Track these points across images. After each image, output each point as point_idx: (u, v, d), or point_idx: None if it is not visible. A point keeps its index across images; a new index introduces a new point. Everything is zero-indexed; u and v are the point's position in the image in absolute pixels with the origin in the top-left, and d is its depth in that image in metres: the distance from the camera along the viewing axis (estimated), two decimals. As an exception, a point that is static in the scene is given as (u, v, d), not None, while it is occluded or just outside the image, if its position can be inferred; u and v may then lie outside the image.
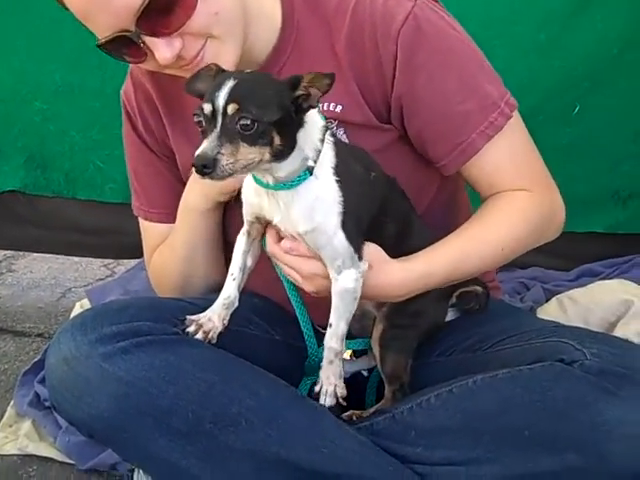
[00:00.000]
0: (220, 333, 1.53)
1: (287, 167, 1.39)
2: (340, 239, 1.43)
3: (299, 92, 1.35)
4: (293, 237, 1.48)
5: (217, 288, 1.86)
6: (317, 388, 1.53)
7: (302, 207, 1.42)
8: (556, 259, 2.64)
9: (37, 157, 2.88)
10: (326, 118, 1.48)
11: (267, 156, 1.34)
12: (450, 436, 1.49)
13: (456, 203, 1.87)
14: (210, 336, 1.52)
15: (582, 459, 1.38)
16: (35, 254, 3.71)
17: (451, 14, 1.68)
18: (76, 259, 3.68)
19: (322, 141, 1.42)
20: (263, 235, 1.56)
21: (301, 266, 1.51)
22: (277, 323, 1.76)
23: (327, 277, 1.49)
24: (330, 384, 1.51)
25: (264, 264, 1.60)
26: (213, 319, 1.53)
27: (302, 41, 1.65)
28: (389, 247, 1.54)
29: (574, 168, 2.51)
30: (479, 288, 1.72)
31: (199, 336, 1.51)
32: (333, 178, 1.43)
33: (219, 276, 1.87)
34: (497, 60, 1.69)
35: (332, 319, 1.50)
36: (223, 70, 1.42)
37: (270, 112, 1.32)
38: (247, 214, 1.53)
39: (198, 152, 1.28)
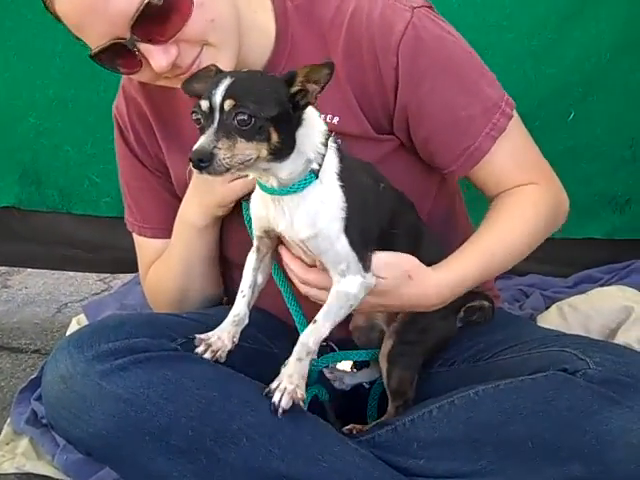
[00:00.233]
0: (229, 351, 1.51)
1: (288, 167, 1.38)
2: (343, 244, 1.42)
3: (295, 88, 1.35)
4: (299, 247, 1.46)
5: (214, 302, 1.87)
6: (273, 385, 1.43)
7: (306, 213, 1.41)
8: (554, 266, 2.64)
9: (31, 172, 2.87)
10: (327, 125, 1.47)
11: (264, 153, 1.33)
12: (453, 448, 1.48)
13: (454, 210, 1.87)
14: (219, 355, 1.49)
15: (586, 469, 1.38)
16: (30, 269, 3.71)
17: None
18: (71, 274, 3.67)
19: (325, 145, 1.41)
20: (274, 250, 1.54)
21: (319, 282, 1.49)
22: (276, 336, 1.75)
23: None
24: (291, 383, 1.42)
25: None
26: (222, 337, 1.51)
27: (297, 54, 1.65)
28: None
29: (571, 175, 2.46)
30: (486, 303, 1.72)
31: (207, 355, 1.48)
32: (337, 183, 1.42)
33: (216, 290, 1.87)
34: (490, 67, 1.70)
35: (318, 316, 1.45)
36: (221, 71, 1.42)
37: (267, 108, 1.31)
38: (256, 229, 1.52)
39: (195, 147, 1.28)
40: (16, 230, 2.95)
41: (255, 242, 1.54)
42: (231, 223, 1.74)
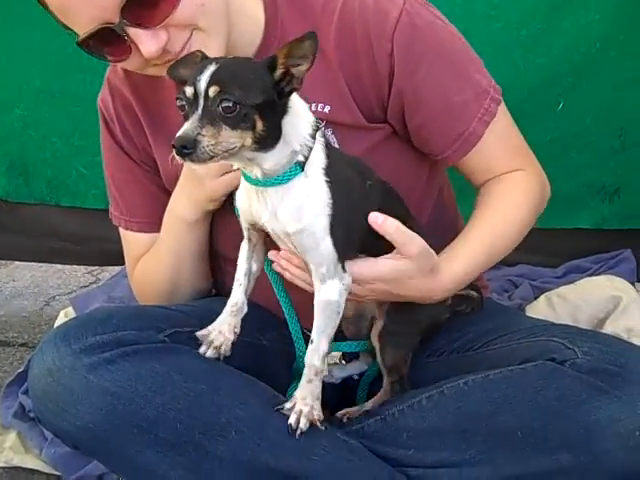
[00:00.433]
0: (233, 344, 1.50)
1: (273, 158, 1.36)
2: (327, 244, 1.40)
3: (279, 72, 1.33)
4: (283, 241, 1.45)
5: (203, 295, 1.86)
6: (288, 405, 1.45)
7: (291, 206, 1.39)
8: (543, 256, 2.64)
9: (19, 164, 2.85)
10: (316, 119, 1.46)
11: (249, 141, 1.31)
12: (442, 438, 1.48)
13: (443, 198, 1.87)
14: (223, 350, 1.48)
15: (575, 459, 1.38)
16: (18, 262, 3.69)
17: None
18: (59, 266, 3.66)
19: (312, 137, 1.40)
20: (265, 239, 1.53)
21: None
22: (265, 328, 1.74)
23: None
24: (306, 405, 1.43)
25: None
26: (223, 330, 1.50)
27: (287, 41, 1.63)
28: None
29: (560, 165, 2.49)
30: (473, 292, 1.71)
31: (210, 354, 1.48)
32: (323, 179, 1.40)
33: (205, 284, 1.86)
34: (479, 57, 1.69)
35: (313, 334, 1.45)
36: (207, 57, 1.40)
37: (253, 95, 1.30)
38: (242, 221, 1.51)
39: (179, 133, 1.26)
40: (3, 222, 2.94)
41: (245, 233, 1.53)
42: (222, 216, 1.72)
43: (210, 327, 1.51)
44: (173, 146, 1.25)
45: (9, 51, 2.69)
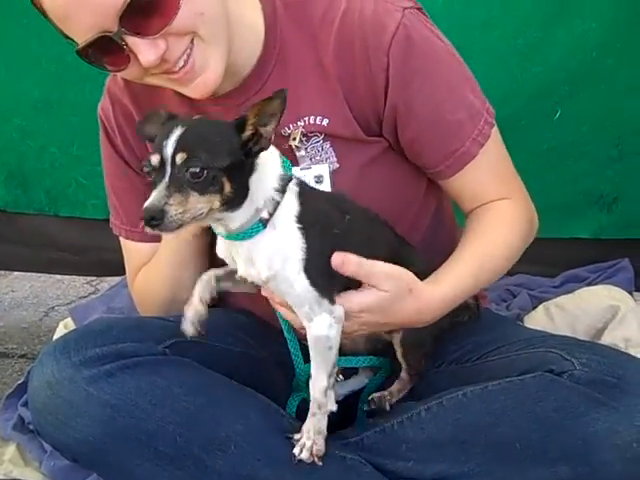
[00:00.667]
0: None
1: (239, 217, 1.36)
2: (302, 284, 1.39)
3: (247, 133, 1.33)
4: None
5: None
6: (297, 436, 1.47)
7: (260, 256, 1.39)
8: (541, 265, 2.63)
9: (17, 174, 2.86)
10: (291, 168, 1.45)
11: (217, 204, 1.31)
12: (441, 449, 1.48)
13: (442, 211, 1.86)
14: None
15: (573, 470, 1.38)
16: (17, 273, 3.68)
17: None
18: (58, 277, 3.65)
19: (280, 191, 1.39)
20: None
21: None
22: (262, 339, 1.74)
23: None
24: (309, 438, 1.45)
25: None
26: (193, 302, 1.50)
27: (286, 52, 1.64)
28: None
29: (557, 174, 2.51)
30: (470, 300, 1.71)
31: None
32: (295, 226, 1.39)
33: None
34: (476, 67, 1.70)
35: (312, 369, 1.45)
36: (173, 116, 1.40)
37: (220, 158, 1.30)
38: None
39: (146, 204, 1.26)
40: (2, 233, 2.94)
41: None
42: None
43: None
44: (141, 218, 1.26)
45: (7, 61, 2.69)
